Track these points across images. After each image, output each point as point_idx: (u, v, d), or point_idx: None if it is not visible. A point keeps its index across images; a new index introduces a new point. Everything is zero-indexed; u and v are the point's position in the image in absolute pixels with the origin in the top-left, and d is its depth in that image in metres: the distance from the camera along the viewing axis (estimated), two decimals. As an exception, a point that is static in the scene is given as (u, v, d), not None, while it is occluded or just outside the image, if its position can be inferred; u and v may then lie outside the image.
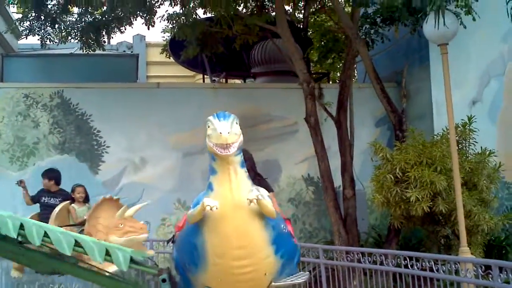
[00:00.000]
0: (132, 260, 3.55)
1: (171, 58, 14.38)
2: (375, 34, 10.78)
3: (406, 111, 10.95)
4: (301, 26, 13.98)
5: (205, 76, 15.06)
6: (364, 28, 10.77)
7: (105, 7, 11.10)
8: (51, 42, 11.87)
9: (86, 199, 8.08)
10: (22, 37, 11.64)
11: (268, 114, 11.73)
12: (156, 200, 10.72)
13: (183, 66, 14.97)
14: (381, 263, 7.12)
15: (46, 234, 3.27)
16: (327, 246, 8.61)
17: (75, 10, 11.77)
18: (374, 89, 9.74)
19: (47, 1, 11.20)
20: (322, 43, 12.64)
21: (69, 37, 11.71)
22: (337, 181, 10.09)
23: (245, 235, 3.90)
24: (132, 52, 19.41)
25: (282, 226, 4.28)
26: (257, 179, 5.61)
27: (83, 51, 11.93)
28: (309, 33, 14.15)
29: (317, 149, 9.77)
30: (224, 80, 14.48)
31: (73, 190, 8.14)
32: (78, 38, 11.71)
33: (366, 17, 10.79)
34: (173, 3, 11.01)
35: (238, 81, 17.15)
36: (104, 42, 11.78)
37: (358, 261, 7.48)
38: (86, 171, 11.03)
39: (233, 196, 3.80)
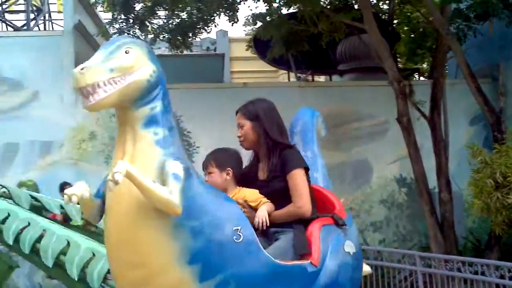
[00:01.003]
0: None
1: (253, 53, 14.41)
2: (467, 29, 10.36)
3: (504, 110, 10.48)
4: (387, 18, 13.64)
5: (290, 72, 14.97)
6: (456, 23, 10.37)
7: (189, 8, 11.31)
8: (140, 45, 12.11)
9: None
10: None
11: (357, 113, 11.50)
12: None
13: (267, 63, 14.96)
14: (483, 273, 6.88)
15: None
16: (425, 254, 8.38)
17: (162, 12, 11.99)
18: (467, 86, 9.37)
19: (134, 5, 11.49)
20: (411, 37, 12.30)
21: (157, 39, 11.97)
22: (431, 181, 9.78)
23: (131, 243, 2.55)
24: (215, 47, 19.61)
25: (240, 235, 2.75)
26: (280, 148, 3.40)
27: (171, 52, 12.13)
28: (395, 24, 13.79)
29: (410, 150, 9.52)
30: (310, 77, 14.37)
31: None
32: (166, 40, 11.95)
33: (459, 12, 10.38)
34: (255, 1, 11.13)
35: (322, 78, 17.02)
36: (191, 43, 11.93)
37: (458, 270, 7.25)
38: (177, 171, 11.22)
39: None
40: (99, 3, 11.80)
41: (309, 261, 3.03)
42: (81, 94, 2.48)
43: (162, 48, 13.74)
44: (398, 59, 13.69)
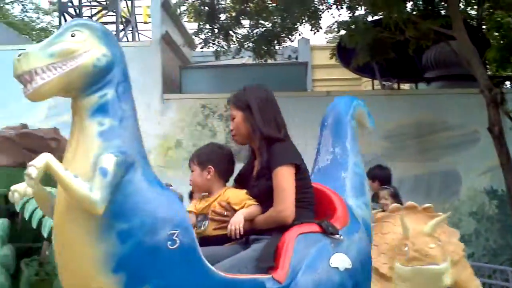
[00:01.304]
0: None
1: (337, 61, 14.28)
2: None
3: None
4: (476, 24, 13.18)
5: (374, 80, 14.75)
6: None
7: (275, 18, 11.38)
8: (224, 54, 12.31)
9: None
10: (197, 49, 12.23)
11: (445, 122, 11.15)
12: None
13: (351, 71, 14.80)
14: None
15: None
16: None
17: (246, 22, 12.12)
18: None
19: (219, 15, 11.69)
20: (502, 43, 11.82)
21: (242, 48, 12.11)
22: (525, 194, 9.33)
23: (63, 245, 2.36)
24: (297, 56, 19.59)
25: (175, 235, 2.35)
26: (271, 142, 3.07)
27: (255, 61, 12.23)
28: (484, 30, 13.31)
29: (501, 161, 9.12)
30: (395, 85, 14.11)
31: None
32: (250, 49, 12.07)
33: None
34: (338, 8, 11.05)
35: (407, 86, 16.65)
36: (276, 52, 12.00)
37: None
38: (261, 180, 11.28)
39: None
40: (185, 13, 12.09)
41: (271, 275, 2.56)
42: (20, 82, 2.27)
43: (246, 58, 13.87)
44: (488, 66, 13.18)
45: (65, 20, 17.39)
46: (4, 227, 3.73)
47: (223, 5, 11.82)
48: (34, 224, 3.30)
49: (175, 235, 2.33)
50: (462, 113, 11.07)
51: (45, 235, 3.25)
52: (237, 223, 2.81)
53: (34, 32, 26.94)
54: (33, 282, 3.64)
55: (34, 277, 3.63)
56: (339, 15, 24.43)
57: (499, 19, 13.20)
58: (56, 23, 22.64)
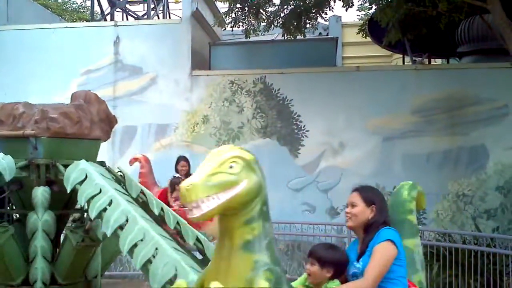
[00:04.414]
0: None
1: (367, 38, 14.12)
2: None
3: None
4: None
5: (405, 56, 14.56)
6: None
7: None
8: (254, 33, 12.30)
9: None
10: (228, 28, 12.22)
11: (475, 96, 10.90)
12: (354, 185, 10.63)
13: (381, 47, 14.63)
14: None
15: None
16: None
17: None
18: None
19: (250, -7, 11.66)
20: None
21: (272, 25, 12.06)
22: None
23: None
24: (327, 33, 19.43)
25: None
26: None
27: (284, 38, 12.19)
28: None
29: (531, 135, 8.97)
30: (426, 60, 13.91)
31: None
32: (280, 25, 12.01)
33: None
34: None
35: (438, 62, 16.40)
36: (305, 28, 11.92)
37: None
38: (287, 155, 11.34)
39: None
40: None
41: None
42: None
43: (276, 34, 13.84)
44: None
45: (99, 3, 17.63)
46: (46, 195, 3.90)
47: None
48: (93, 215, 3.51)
49: None
50: (493, 88, 10.84)
51: (92, 216, 3.49)
52: None
53: (67, 14, 27.44)
54: (78, 247, 3.80)
55: (80, 242, 3.79)
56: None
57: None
58: (88, 4, 22.98)
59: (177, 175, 8.65)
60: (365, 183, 4.01)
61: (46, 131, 3.98)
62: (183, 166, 8.84)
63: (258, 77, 11.64)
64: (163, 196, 7.90)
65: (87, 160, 3.96)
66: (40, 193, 3.88)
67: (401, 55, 14.60)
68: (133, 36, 12.29)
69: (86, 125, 4.10)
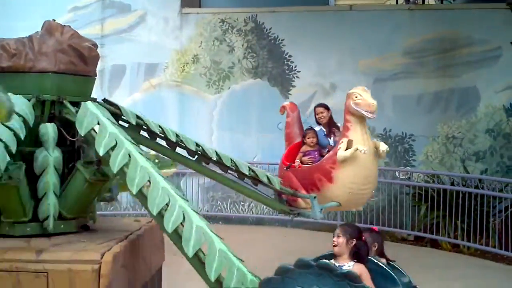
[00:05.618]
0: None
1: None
2: None
3: None
4: None
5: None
6: None
7: None
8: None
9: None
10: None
11: (468, 38, 10.77)
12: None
13: (375, -14, 14.39)
14: None
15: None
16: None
17: None
18: None
19: None
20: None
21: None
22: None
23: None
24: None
25: None
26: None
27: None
28: None
29: (523, 77, 8.93)
30: (420, 1, 13.70)
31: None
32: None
33: None
34: None
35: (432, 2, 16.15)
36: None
37: None
38: (277, 96, 11.25)
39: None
40: None
41: None
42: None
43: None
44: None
45: None
46: (55, 131, 3.90)
47: None
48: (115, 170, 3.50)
49: None
50: (487, 29, 10.70)
51: (114, 170, 3.51)
52: None
53: None
54: (91, 181, 3.83)
55: (92, 177, 3.80)
56: None
57: None
58: None
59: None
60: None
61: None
62: (321, 113, 7.91)
63: (249, 16, 11.43)
64: (295, 151, 7.16)
65: (39, 94, 3.91)
66: (51, 130, 3.89)
67: (395, -4, 14.39)
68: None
69: (29, 57, 4.00)
